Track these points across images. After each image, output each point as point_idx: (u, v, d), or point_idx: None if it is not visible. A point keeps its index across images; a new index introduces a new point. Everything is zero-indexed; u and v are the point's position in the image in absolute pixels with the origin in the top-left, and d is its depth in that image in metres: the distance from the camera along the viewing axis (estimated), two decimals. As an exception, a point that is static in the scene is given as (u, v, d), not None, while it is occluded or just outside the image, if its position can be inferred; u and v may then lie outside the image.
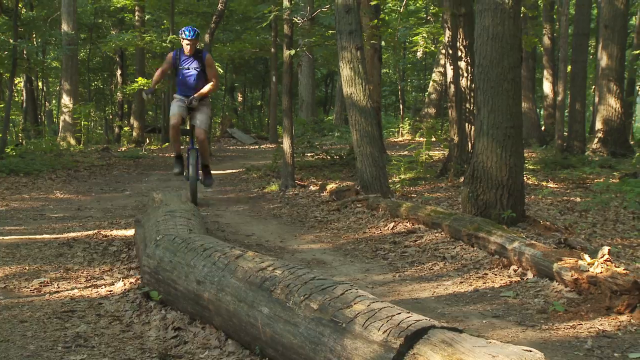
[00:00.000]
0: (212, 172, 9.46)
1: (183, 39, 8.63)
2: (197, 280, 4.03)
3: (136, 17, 22.97)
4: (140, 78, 20.34)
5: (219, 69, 25.80)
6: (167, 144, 21.46)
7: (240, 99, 38.92)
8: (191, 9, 22.03)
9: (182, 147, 9.58)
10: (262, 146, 22.49)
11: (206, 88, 8.72)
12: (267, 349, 3.41)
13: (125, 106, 28.88)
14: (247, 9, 22.17)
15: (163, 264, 4.46)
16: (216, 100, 30.23)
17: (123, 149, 20.09)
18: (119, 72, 27.37)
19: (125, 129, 25.77)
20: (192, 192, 8.68)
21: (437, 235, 7.07)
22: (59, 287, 5.11)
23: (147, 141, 23.57)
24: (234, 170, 14.78)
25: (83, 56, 29.11)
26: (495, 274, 5.60)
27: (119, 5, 21.15)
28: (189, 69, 8.70)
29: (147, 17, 23.72)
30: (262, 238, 7.40)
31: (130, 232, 7.20)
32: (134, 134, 23.44)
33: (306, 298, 3.21)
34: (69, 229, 7.73)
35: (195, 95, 8.61)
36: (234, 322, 3.66)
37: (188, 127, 9.21)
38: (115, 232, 7.38)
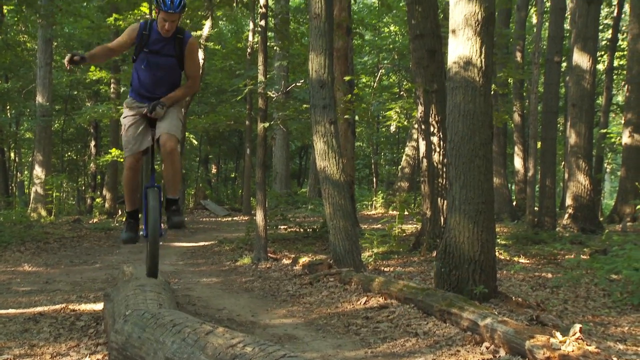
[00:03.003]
0: (184, 244, 6.85)
1: (161, 10, 5.61)
2: (165, 357, 3.95)
3: (111, 89, 23.11)
4: (114, 149, 20.35)
5: (193, 141, 25.90)
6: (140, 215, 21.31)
7: (214, 170, 38.98)
8: (167, 82, 22.21)
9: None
10: (236, 218, 22.43)
11: (180, 91, 5.98)
12: None
13: (98, 177, 28.78)
14: (222, 82, 22.45)
15: (131, 340, 4.37)
16: (190, 171, 30.26)
17: (95, 221, 19.91)
18: (92, 143, 27.38)
19: (98, 200, 25.62)
20: (151, 257, 5.69)
21: (409, 310, 7.03)
22: (23, 363, 4.98)
23: (119, 213, 23.41)
24: (206, 243, 14.69)
25: (57, 127, 29.11)
26: (468, 351, 5.56)
27: (94, 78, 21.28)
28: (158, 53, 5.78)
29: (122, 89, 23.85)
30: (233, 312, 7.31)
31: (99, 306, 7.08)
32: (106, 205, 23.29)
33: (276, 376, 3.16)
34: (35, 303, 7.58)
35: (162, 100, 5.78)
36: (202, 401, 3.58)
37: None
38: (83, 306, 7.25)
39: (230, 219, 22.58)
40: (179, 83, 6.02)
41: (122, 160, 21.19)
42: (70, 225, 17.63)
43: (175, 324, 4.17)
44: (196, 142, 28.44)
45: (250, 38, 19.29)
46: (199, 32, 17.66)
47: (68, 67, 5.47)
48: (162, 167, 5.95)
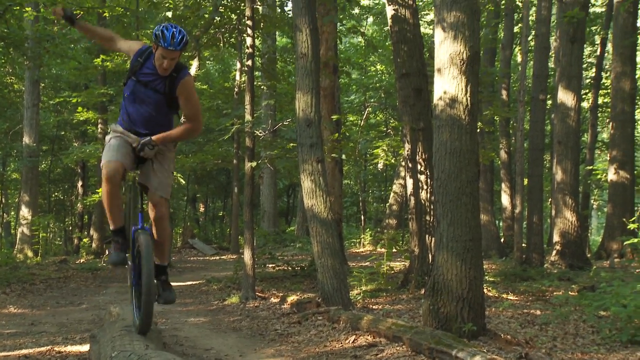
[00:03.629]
0: (172, 283, 5.87)
1: (159, 46, 5.15)
2: (151, 398, 3.91)
3: (99, 130, 23.10)
4: (101, 189, 20.29)
5: (180, 179, 25.86)
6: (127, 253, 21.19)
7: (202, 209, 38.90)
8: (154, 122, 22.26)
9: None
10: (224, 257, 22.35)
11: (176, 132, 5.50)
12: None
13: (86, 217, 28.64)
14: (209, 121, 22.50)
15: (117, 381, 4.33)
16: (177, 210, 30.20)
17: (82, 261, 19.78)
18: (80, 183, 27.27)
19: (85, 240, 25.47)
20: (146, 312, 5.15)
21: (398, 349, 6.99)
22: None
23: (107, 252, 23.27)
24: (194, 282, 14.60)
25: (44, 167, 29.05)
26: (457, 390, 5.52)
27: (81, 119, 21.31)
28: (146, 85, 5.30)
29: (109, 129, 23.86)
30: (221, 352, 7.24)
31: (85, 347, 7.00)
32: (94, 245, 23.15)
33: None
34: (20, 345, 7.49)
35: (154, 139, 5.29)
36: None
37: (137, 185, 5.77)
38: (69, 348, 7.17)
39: (218, 257, 22.49)
40: (168, 125, 5.47)
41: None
42: (57, 265, 17.49)
43: (161, 364, 4.13)
44: (184, 181, 28.38)
45: (238, 77, 19.40)
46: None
47: (58, 14, 5.40)
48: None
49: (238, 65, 19.21)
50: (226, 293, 12.33)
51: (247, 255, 11.23)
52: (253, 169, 11.62)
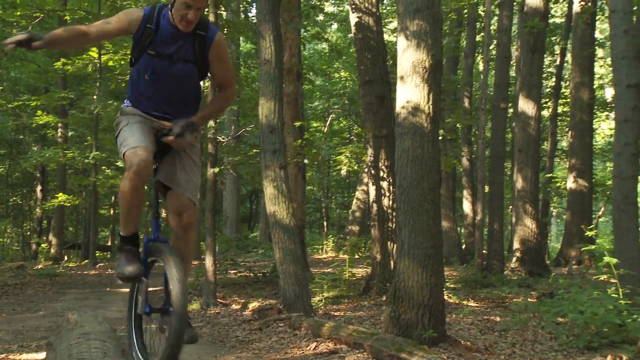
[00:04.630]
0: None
1: None
2: (109, 406, 3.86)
3: (59, 134, 22.83)
4: (60, 194, 20.05)
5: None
6: (86, 260, 20.98)
7: (163, 214, 38.59)
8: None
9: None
10: (185, 263, 22.18)
11: (214, 106, 4.60)
12: None
13: (45, 222, 28.24)
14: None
15: (74, 390, 4.26)
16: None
17: (40, 267, 19.48)
18: (39, 187, 26.90)
19: (43, 245, 25.11)
20: (173, 345, 3.83)
21: (359, 355, 7.00)
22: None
23: (65, 258, 22.98)
24: (154, 289, 14.44)
25: (2, 172, 28.58)
26: (417, 396, 5.54)
27: (41, 122, 21.02)
28: (171, 58, 4.10)
29: (70, 133, 23.58)
30: (181, 359, 7.17)
31: (41, 355, 6.90)
32: (52, 250, 22.84)
33: None
34: (-25, 351, 7.36)
35: (195, 119, 4.19)
36: None
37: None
38: (25, 356, 7.06)
39: (179, 264, 22.31)
40: (199, 97, 4.41)
41: (68, 204, 20.91)
42: (14, 271, 17.21)
43: (119, 372, 4.08)
44: (146, 187, 28.19)
45: (201, 83, 19.31)
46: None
47: (10, 47, 3.70)
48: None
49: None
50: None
51: (208, 262, 11.17)
52: (215, 174, 11.57)
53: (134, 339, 4.46)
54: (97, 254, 21.71)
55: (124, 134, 4.07)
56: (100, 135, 20.27)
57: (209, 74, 4.46)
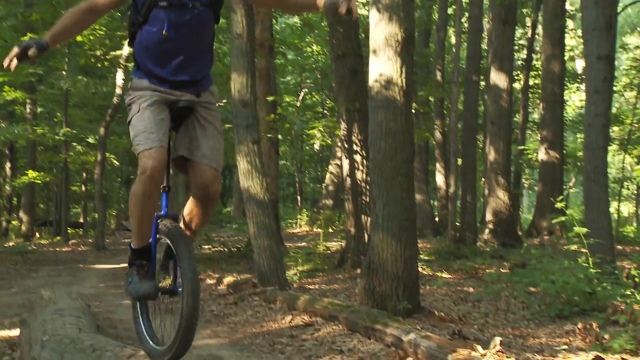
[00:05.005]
0: (105, 266, 4.43)
1: None
2: (85, 382, 3.86)
3: (27, 110, 22.51)
4: (30, 171, 19.84)
5: (114, 161, 25.41)
6: (58, 237, 20.84)
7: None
8: (86, 102, 21.81)
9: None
10: (159, 239, 22.11)
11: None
12: None
13: (15, 199, 27.96)
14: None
15: (49, 366, 4.26)
16: (111, 192, 29.74)
17: (11, 244, 19.33)
18: (8, 165, 26.57)
19: (14, 223, 24.87)
20: (187, 327, 3.45)
21: (334, 328, 7.05)
22: None
23: (37, 235, 22.79)
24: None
25: (-30, 148, 28.19)
26: (392, 367, 5.60)
27: (9, 98, 20.69)
28: (184, 7, 3.54)
29: (39, 109, 23.26)
30: (156, 335, 7.17)
31: (15, 332, 6.86)
32: (23, 228, 22.64)
33: (199, 398, 3.13)
34: (-53, 330, 7.30)
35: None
36: None
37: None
38: (-1, 333, 7.02)
39: (152, 240, 22.25)
40: (213, 46, 3.84)
41: (39, 181, 20.70)
42: (-15, 249, 17.08)
43: (95, 348, 4.09)
44: (117, 163, 27.95)
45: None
46: (118, 52, 17.41)
47: (14, 67, 3.38)
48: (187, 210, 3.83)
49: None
50: (161, 275, 12.21)
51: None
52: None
53: (142, 325, 3.96)
54: (69, 231, 21.57)
55: (137, 126, 3.56)
56: (71, 111, 20.04)
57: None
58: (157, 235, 3.74)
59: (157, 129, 3.51)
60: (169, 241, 3.59)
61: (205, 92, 3.71)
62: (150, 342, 3.79)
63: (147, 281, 3.66)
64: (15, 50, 3.38)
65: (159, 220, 3.72)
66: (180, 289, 3.53)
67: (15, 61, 3.37)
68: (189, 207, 3.77)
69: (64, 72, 18.86)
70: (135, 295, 3.68)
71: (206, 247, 15.51)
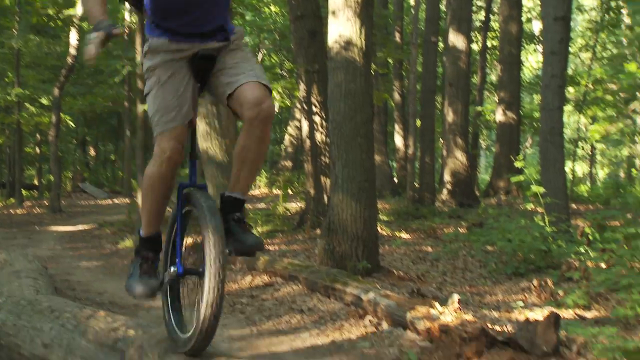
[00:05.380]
0: (61, 228, 4.21)
1: None
2: (43, 343, 3.84)
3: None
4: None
5: (69, 122, 25.00)
6: (12, 199, 20.53)
7: (92, 152, 37.86)
8: (38, 62, 21.32)
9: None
10: (116, 201, 21.91)
11: None
12: (120, 413, 3.28)
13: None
14: (99, 63, 21.74)
15: (6, 328, 4.22)
16: (67, 154, 29.27)
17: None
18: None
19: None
20: (212, 315, 3.06)
21: (294, 287, 7.10)
22: None
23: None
24: (86, 227, 14.28)
25: None
26: (352, 325, 5.67)
27: None
28: None
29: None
30: (115, 296, 7.15)
31: (-29, 295, 6.77)
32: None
33: (160, 358, 3.13)
34: None
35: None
36: (84, 387, 3.50)
37: None
38: (-46, 296, 6.91)
39: (110, 201, 22.03)
40: None
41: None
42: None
43: (53, 309, 4.06)
44: (73, 124, 27.46)
45: (128, 18, 18.77)
46: (71, 11, 17.02)
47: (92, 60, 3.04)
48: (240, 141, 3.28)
49: (127, 5, 18.57)
50: (120, 237, 12.13)
51: (140, 199, 11.07)
52: (145, 112, 11.38)
53: (169, 312, 3.49)
54: (23, 193, 21.23)
55: (156, 102, 3.28)
56: (23, 72, 19.56)
57: None
58: (184, 208, 3.41)
59: (180, 104, 3.23)
60: (198, 214, 3.19)
61: (232, 35, 3.33)
62: (175, 327, 3.36)
63: (147, 278, 3.35)
64: (101, 35, 3.03)
65: (185, 190, 3.39)
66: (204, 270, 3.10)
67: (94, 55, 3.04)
68: (241, 143, 3.24)
69: (14, 31, 18.38)
70: (132, 294, 3.37)
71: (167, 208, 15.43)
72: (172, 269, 3.37)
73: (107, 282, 8.09)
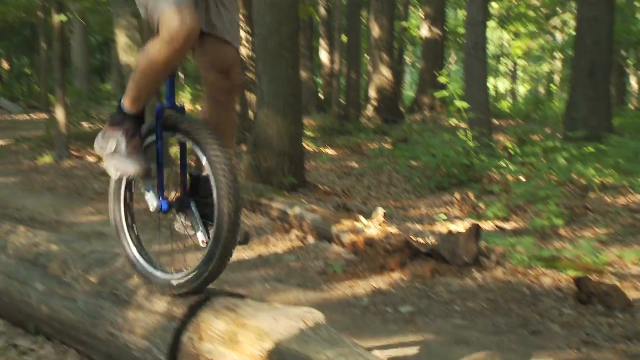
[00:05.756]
0: None
1: None
2: (-39, 260, 3.72)
3: None
4: None
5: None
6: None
7: (5, 65, 36.41)
8: None
9: None
10: (33, 116, 21.21)
11: None
12: (43, 326, 3.22)
13: None
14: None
15: None
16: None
17: None
18: None
19: None
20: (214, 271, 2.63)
21: (217, 203, 7.06)
22: None
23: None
24: (1, 142, 13.83)
25: None
26: (278, 239, 5.70)
27: None
28: None
29: None
30: (35, 212, 6.99)
31: None
32: None
33: (85, 272, 3.08)
34: None
35: None
36: (4, 301, 3.42)
37: None
38: None
39: (27, 116, 21.32)
40: None
41: None
42: None
43: (-31, 225, 3.92)
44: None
45: None
46: None
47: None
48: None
49: None
50: (38, 153, 11.78)
51: (59, 114, 10.72)
52: (62, 23, 10.90)
53: (136, 249, 3.21)
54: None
55: None
56: None
57: None
58: (165, 132, 2.92)
59: None
60: (185, 137, 2.77)
61: None
62: (153, 268, 2.98)
63: (137, 154, 2.86)
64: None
65: (164, 112, 2.90)
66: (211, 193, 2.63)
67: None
68: (205, 111, 3.01)
69: None
70: (125, 173, 2.92)
71: (85, 124, 15.01)
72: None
73: (26, 198, 7.89)
